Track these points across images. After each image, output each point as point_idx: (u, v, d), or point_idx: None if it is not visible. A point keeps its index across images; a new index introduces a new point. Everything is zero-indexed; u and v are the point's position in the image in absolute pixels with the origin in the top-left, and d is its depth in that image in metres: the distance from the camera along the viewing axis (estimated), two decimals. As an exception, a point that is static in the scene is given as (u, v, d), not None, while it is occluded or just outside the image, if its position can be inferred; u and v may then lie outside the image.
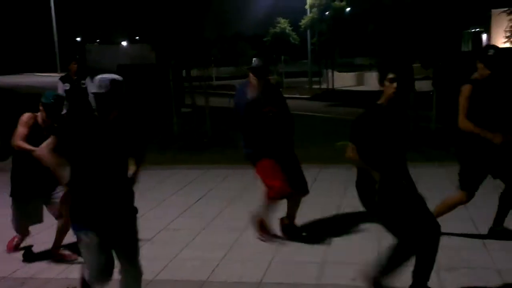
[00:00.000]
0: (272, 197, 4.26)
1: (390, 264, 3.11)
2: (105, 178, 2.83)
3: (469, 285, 3.48)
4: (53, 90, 4.63)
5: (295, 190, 4.35)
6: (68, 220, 3.82)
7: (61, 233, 4.16)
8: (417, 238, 3.05)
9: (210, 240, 4.59)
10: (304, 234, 4.60)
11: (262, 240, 4.43)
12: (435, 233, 3.11)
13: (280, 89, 4.98)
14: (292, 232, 4.53)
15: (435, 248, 3.11)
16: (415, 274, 3.19)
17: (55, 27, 33.21)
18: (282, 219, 4.61)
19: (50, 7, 35.58)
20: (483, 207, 4.71)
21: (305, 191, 4.49)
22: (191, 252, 4.35)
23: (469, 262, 3.83)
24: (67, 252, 4.26)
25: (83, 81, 7.64)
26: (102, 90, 2.81)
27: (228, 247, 4.38)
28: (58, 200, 4.08)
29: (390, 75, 3.05)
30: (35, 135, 3.98)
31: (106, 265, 2.85)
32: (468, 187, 4.07)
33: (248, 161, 4.48)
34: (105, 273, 2.85)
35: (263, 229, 4.46)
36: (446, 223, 4.45)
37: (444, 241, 4.22)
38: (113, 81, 2.84)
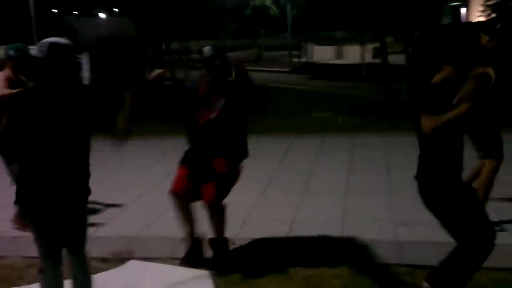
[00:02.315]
0: (170, 192, 3.64)
1: (456, 271, 2.80)
2: (50, 158, 2.47)
3: (422, 237, 3.88)
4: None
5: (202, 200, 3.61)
6: None
7: None
8: (474, 237, 2.74)
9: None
10: (233, 245, 3.82)
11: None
12: (491, 238, 2.77)
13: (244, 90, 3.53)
14: (220, 246, 3.73)
15: (487, 253, 2.76)
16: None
17: (31, -1, 32.34)
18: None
19: (25, -22, 34.63)
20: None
21: (212, 207, 3.58)
22: (173, 213, 4.68)
23: (421, 218, 4.22)
24: None
25: (78, 56, 7.67)
26: (40, 55, 2.47)
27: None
28: None
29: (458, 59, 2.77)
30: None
31: (51, 248, 2.64)
32: (492, 152, 4.03)
33: None
34: (52, 254, 2.65)
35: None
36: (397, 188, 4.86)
37: (400, 201, 4.64)
38: (52, 45, 2.46)
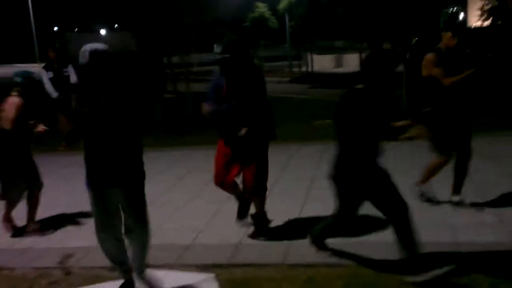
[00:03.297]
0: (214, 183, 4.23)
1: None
2: (105, 148, 3.00)
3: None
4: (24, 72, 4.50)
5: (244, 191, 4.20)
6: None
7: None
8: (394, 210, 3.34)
9: (193, 211, 5.01)
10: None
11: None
12: (404, 210, 3.35)
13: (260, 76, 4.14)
14: (261, 219, 4.35)
15: (407, 221, 3.33)
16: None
17: (32, 17, 32.80)
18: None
19: (26, -3, 35.13)
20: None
21: (251, 193, 4.14)
22: (176, 221, 4.77)
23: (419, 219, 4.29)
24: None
25: (65, 69, 7.94)
26: (83, 61, 2.78)
27: (210, 216, 4.80)
28: None
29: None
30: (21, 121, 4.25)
31: (106, 221, 3.17)
32: (444, 151, 4.41)
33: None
34: (106, 230, 3.19)
35: None
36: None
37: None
38: (92, 51, 2.78)
